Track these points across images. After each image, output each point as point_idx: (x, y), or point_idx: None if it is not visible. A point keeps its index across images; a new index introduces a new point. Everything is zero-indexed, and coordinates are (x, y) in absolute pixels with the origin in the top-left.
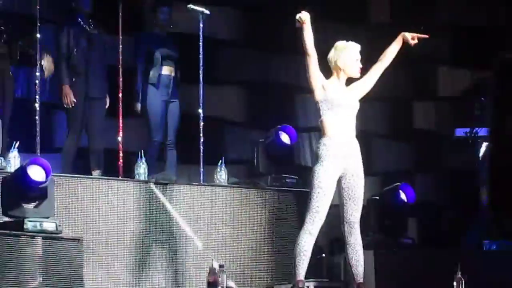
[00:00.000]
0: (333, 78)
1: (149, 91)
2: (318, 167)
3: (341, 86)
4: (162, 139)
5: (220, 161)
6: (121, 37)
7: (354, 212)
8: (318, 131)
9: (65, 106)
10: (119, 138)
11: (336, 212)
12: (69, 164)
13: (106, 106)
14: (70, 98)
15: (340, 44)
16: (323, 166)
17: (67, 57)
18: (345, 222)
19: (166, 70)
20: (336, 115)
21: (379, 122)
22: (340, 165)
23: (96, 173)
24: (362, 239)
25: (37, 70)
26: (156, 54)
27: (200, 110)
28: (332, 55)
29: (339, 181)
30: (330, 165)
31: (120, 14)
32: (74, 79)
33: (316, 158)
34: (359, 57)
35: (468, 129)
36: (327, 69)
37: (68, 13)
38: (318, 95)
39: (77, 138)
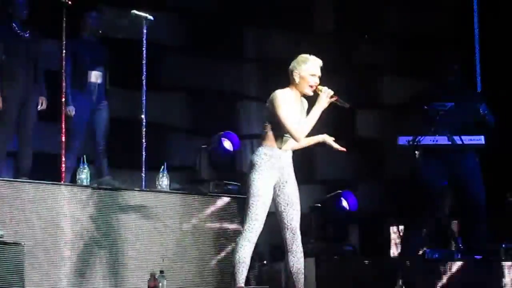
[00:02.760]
0: (290, 92)
1: (74, 97)
2: (255, 175)
3: (296, 99)
4: (80, 147)
5: (162, 167)
6: (64, 42)
7: (294, 218)
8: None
9: None
10: (62, 142)
11: (275, 219)
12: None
13: (42, 107)
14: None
15: (303, 57)
16: (260, 174)
17: (1, 63)
18: (286, 229)
19: (92, 77)
20: (281, 129)
21: (322, 130)
22: (275, 174)
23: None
24: (304, 246)
25: None
26: (82, 60)
27: (143, 116)
28: (293, 66)
29: (274, 190)
30: (266, 173)
31: (64, 19)
32: (8, 84)
33: (252, 166)
34: (317, 72)
35: (410, 138)
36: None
37: (3, 19)
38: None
39: (6, 142)
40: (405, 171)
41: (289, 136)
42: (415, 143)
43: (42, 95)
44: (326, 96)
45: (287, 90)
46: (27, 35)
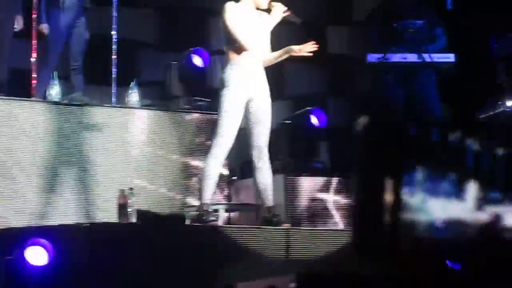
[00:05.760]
0: (242, 5)
1: (52, 14)
2: (225, 91)
3: (250, 12)
4: (55, 63)
5: (132, 83)
6: None
7: (261, 137)
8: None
9: None
10: (32, 59)
11: (246, 135)
12: None
13: (19, 27)
14: None
15: None
16: (229, 91)
17: None
18: (253, 147)
19: None
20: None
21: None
22: (245, 90)
23: None
24: (272, 163)
25: None
26: None
27: (114, 32)
28: None
29: (246, 106)
30: (236, 89)
31: None
32: None
33: (222, 83)
34: None
35: (380, 55)
36: None
37: None
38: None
39: None
40: (374, 87)
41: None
42: (384, 60)
43: (18, 13)
44: (278, 11)
45: (237, 3)
46: None
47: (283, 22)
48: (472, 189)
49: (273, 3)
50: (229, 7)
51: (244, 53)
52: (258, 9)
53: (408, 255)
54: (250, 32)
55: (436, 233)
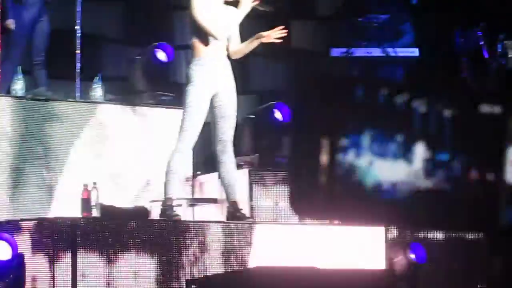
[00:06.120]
0: None
1: (15, 9)
2: (190, 87)
3: (217, 4)
4: (18, 58)
5: (97, 77)
6: None
7: (226, 131)
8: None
9: None
10: None
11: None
12: None
13: None
14: None
15: None
16: (194, 86)
17: None
18: (218, 141)
19: None
20: (207, 35)
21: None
22: (211, 84)
23: None
24: (236, 158)
25: None
26: None
27: (78, 27)
28: None
29: (211, 100)
30: (201, 84)
31: None
32: None
33: (187, 78)
34: None
35: (345, 50)
36: None
37: None
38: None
39: None
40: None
41: (218, 42)
42: (348, 55)
43: None
44: (247, 1)
45: None
46: None
47: (252, 13)
48: (420, 150)
49: None
50: None
51: (210, 47)
52: (226, 2)
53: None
54: (219, 24)
55: (382, 195)
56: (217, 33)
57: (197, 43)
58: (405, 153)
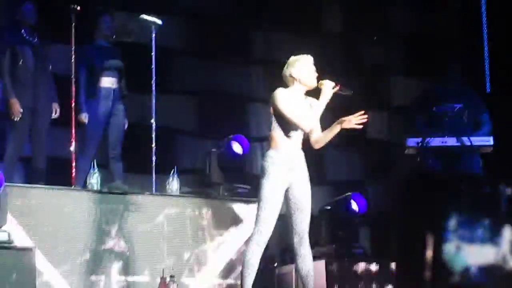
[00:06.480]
0: (292, 91)
1: (89, 103)
2: (265, 179)
3: (300, 98)
4: (94, 152)
5: (173, 170)
6: (73, 47)
7: (303, 223)
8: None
9: (12, 117)
10: (72, 148)
11: (287, 222)
12: (11, 173)
13: (56, 115)
14: (16, 109)
15: (292, 58)
16: (270, 179)
17: (12, 69)
18: (294, 233)
19: (106, 82)
20: (287, 128)
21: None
22: (286, 177)
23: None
24: (313, 249)
25: None
26: (96, 66)
27: (153, 120)
28: (286, 70)
29: (286, 192)
30: (276, 177)
31: (74, 24)
32: (19, 91)
33: (262, 170)
34: (312, 66)
35: (419, 139)
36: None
37: (12, 25)
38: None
39: (20, 148)
40: (413, 172)
41: (296, 134)
42: (424, 145)
43: (55, 101)
44: (328, 88)
45: (286, 89)
46: (36, 40)
47: (334, 97)
48: (507, 234)
49: (322, 82)
50: (280, 92)
51: (289, 140)
52: (306, 93)
53: None
54: (306, 116)
55: (472, 279)
56: (306, 125)
57: (276, 135)
58: (492, 236)
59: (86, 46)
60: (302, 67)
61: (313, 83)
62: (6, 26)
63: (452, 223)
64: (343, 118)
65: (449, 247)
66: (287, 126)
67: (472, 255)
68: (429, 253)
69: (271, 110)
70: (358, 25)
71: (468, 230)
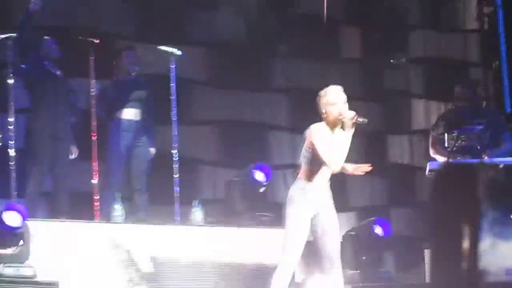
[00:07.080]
0: (324, 125)
1: (109, 136)
2: (291, 208)
3: (331, 134)
4: (117, 185)
5: (197, 200)
6: (93, 81)
7: (332, 246)
8: (292, 168)
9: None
10: (94, 181)
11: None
12: (33, 208)
13: (74, 156)
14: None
15: (320, 93)
16: (296, 208)
17: (36, 102)
18: (323, 258)
19: (128, 114)
20: (319, 162)
21: (353, 156)
22: (312, 206)
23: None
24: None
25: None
26: (117, 100)
27: (175, 151)
28: (318, 103)
29: (312, 221)
30: (302, 206)
31: (94, 58)
32: (41, 122)
33: (289, 199)
34: (336, 101)
35: (441, 162)
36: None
37: (36, 58)
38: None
39: (41, 182)
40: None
41: (326, 168)
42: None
43: (72, 144)
44: (349, 119)
45: (322, 124)
46: (59, 73)
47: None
48: None
49: (342, 113)
50: (317, 128)
51: (319, 174)
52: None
53: None
54: (336, 155)
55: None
56: (336, 167)
57: (308, 167)
58: None
59: (106, 81)
60: (325, 106)
61: (337, 120)
62: (31, 59)
63: (487, 220)
64: (347, 167)
65: (485, 243)
66: (319, 161)
67: (509, 253)
68: (465, 245)
69: (306, 142)
70: (377, 50)
71: (503, 228)
